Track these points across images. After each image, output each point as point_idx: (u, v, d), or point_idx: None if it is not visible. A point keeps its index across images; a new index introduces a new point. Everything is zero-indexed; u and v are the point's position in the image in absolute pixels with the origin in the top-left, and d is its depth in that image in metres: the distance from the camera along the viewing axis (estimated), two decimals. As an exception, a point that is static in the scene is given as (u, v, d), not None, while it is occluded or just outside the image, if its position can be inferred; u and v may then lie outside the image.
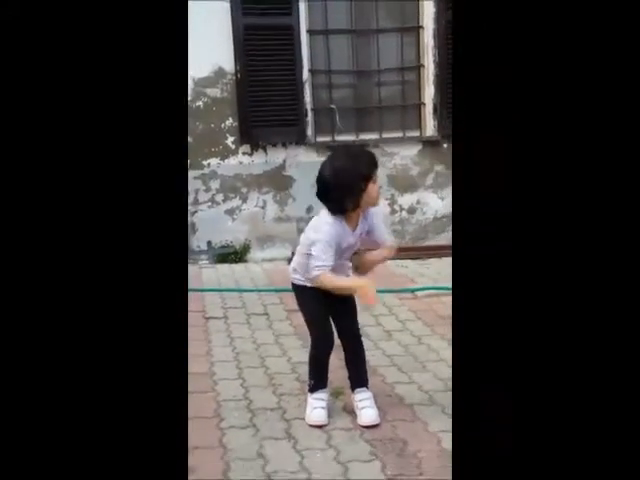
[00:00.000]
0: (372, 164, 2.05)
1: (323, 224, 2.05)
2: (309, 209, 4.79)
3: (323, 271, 2.03)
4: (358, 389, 2.22)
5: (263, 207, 4.90)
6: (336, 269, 2.09)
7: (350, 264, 2.18)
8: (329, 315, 2.18)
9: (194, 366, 2.64)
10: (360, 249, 2.16)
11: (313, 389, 2.22)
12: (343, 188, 1.99)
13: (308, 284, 2.12)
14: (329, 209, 2.05)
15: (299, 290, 2.18)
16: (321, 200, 2.07)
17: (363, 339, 2.30)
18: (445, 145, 5.00)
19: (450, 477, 1.78)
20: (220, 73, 4.72)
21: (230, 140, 4.81)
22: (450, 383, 2.44)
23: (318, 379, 2.22)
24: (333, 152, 2.26)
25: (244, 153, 4.84)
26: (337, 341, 2.24)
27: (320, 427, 2.12)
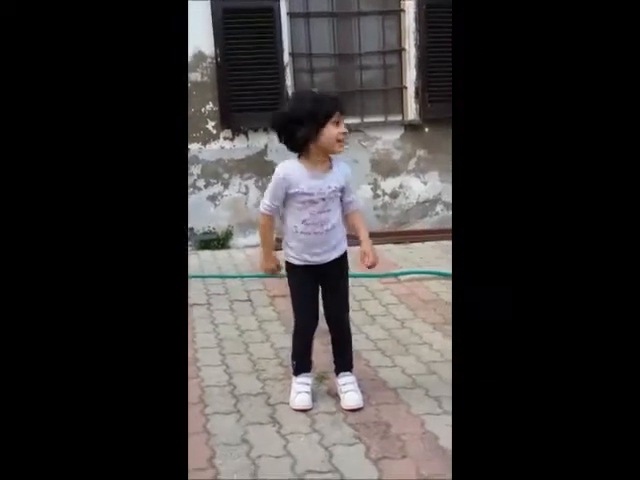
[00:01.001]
0: (335, 105, 2.02)
1: (276, 170, 2.09)
2: (291, 194, 4.77)
3: (263, 209, 2.11)
4: (342, 373, 2.22)
5: (245, 193, 4.87)
6: (315, 220, 2.06)
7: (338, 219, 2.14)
8: (315, 295, 2.18)
9: (177, 353, 2.63)
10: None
11: (297, 371, 2.22)
12: (299, 120, 1.98)
13: (297, 262, 2.12)
14: (285, 144, 2.06)
15: (288, 267, 2.17)
16: (278, 136, 2.06)
17: (347, 323, 2.31)
18: (427, 129, 5.00)
19: (433, 457, 1.80)
20: (200, 57, 4.66)
21: (211, 125, 4.76)
22: (433, 366, 2.46)
23: (301, 360, 2.22)
24: (295, 93, 2.27)
25: (225, 138, 4.80)
26: (322, 326, 2.24)
27: (304, 411, 2.13)
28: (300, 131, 1.98)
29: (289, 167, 2.07)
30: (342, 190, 2.11)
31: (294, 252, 2.12)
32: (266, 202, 2.10)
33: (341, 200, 2.13)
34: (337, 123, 2.00)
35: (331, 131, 2.00)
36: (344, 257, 2.18)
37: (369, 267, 2.16)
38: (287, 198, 2.07)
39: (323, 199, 2.06)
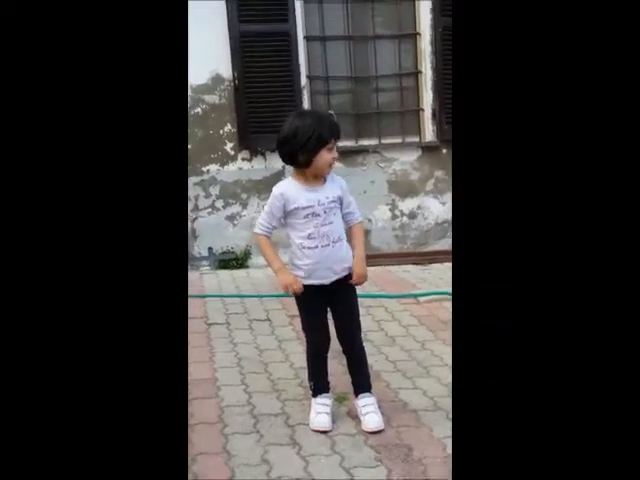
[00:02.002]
0: (332, 131, 2.06)
1: (273, 190, 2.13)
2: (309, 215, 4.79)
3: (258, 230, 2.15)
4: (362, 394, 2.20)
5: (263, 213, 4.89)
6: (320, 233, 2.09)
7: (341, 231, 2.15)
8: (324, 316, 2.18)
9: (197, 372, 2.63)
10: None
11: (315, 392, 2.21)
12: (296, 145, 2.02)
13: (305, 282, 2.12)
14: (282, 159, 2.12)
15: None
16: (279, 153, 2.11)
17: (366, 344, 2.30)
18: (444, 150, 5.01)
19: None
20: (218, 80, 4.73)
21: (229, 146, 4.81)
22: (454, 387, 2.43)
23: (318, 380, 2.21)
24: (299, 111, 2.32)
25: (243, 159, 4.84)
26: (339, 347, 2.23)
27: (324, 433, 2.11)
28: (297, 156, 2.04)
29: (285, 185, 2.14)
30: (340, 201, 2.13)
31: (302, 272, 2.13)
32: (262, 223, 2.14)
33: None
34: (330, 149, 2.05)
35: (325, 157, 2.05)
36: (351, 276, 2.17)
37: (355, 284, 2.17)
38: (289, 217, 2.11)
39: (325, 211, 2.09)
